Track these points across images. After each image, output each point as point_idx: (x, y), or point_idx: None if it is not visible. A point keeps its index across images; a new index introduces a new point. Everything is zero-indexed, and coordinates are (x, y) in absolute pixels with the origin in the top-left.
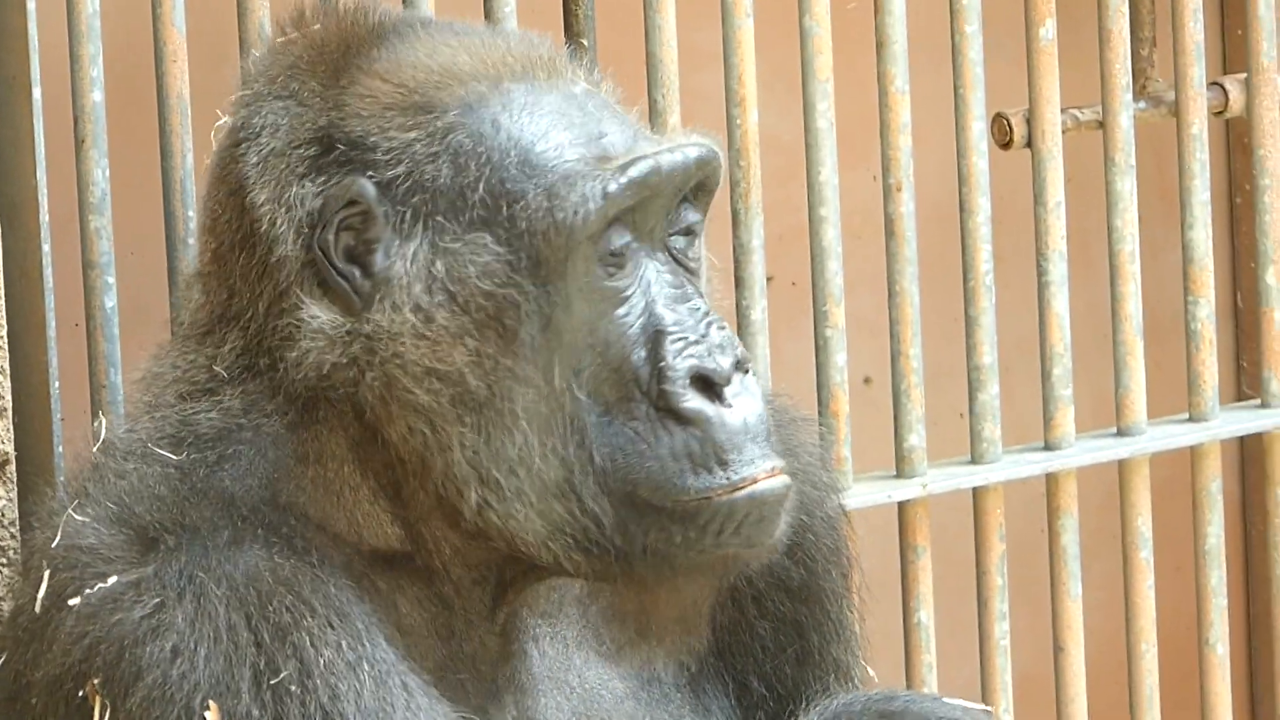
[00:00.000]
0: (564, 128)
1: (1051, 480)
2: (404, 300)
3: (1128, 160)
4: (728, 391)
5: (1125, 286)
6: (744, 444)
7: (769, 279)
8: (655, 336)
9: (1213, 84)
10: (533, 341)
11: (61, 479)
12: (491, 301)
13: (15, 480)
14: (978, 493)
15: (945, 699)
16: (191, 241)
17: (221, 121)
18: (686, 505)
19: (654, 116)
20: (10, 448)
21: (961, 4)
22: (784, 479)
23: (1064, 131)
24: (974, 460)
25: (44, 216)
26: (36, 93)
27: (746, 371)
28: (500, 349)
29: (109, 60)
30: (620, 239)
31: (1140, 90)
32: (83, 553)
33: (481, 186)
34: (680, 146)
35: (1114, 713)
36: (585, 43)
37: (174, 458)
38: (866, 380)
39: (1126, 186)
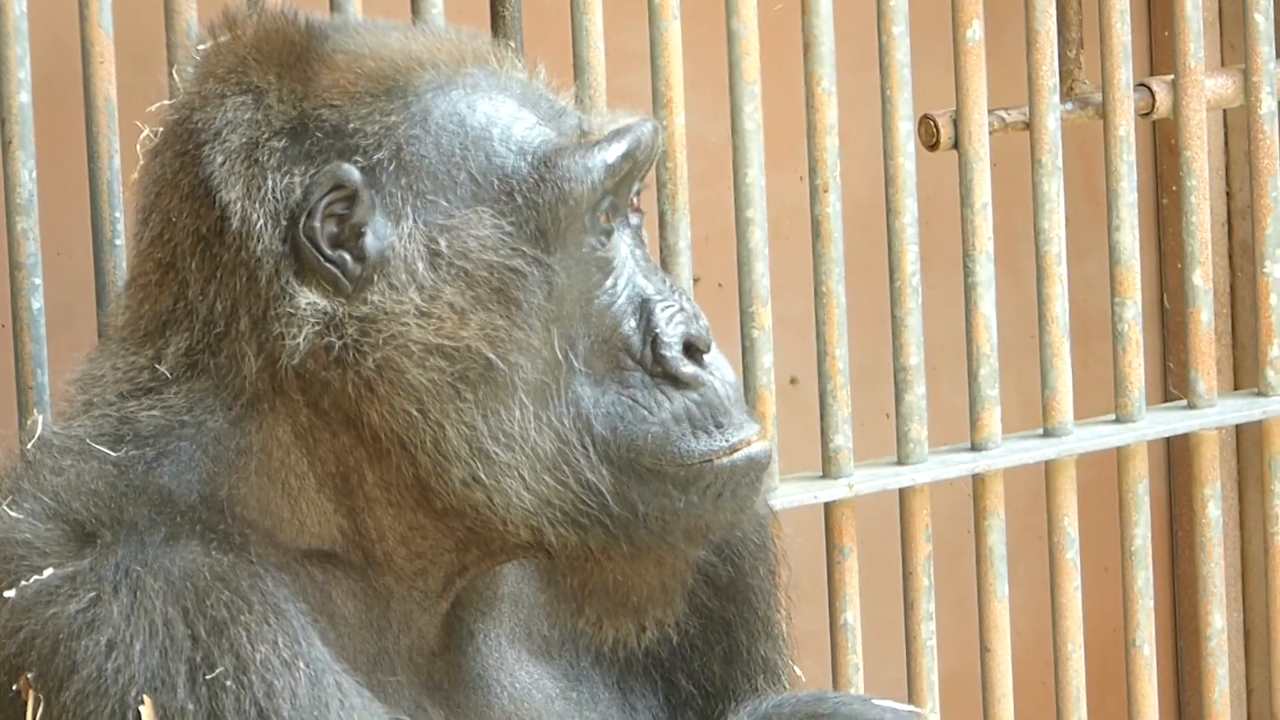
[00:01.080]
0: (530, 108)
1: (978, 481)
2: (405, 280)
3: (1054, 162)
4: (707, 359)
5: (1052, 288)
6: (731, 408)
7: (696, 280)
8: (643, 305)
9: (1140, 85)
10: (539, 311)
11: None
12: (496, 274)
13: None
14: (904, 493)
15: (874, 700)
16: (119, 243)
17: (146, 134)
18: (690, 469)
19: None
20: None
21: (889, 5)
22: (768, 442)
23: (991, 133)
24: (900, 461)
25: None
26: None
27: (712, 340)
28: (509, 321)
29: (36, 61)
30: (606, 211)
31: (1067, 92)
32: (17, 547)
33: (470, 164)
34: (643, 122)
35: (1040, 713)
36: (512, 44)
37: (112, 454)
38: (793, 381)
39: (1053, 188)
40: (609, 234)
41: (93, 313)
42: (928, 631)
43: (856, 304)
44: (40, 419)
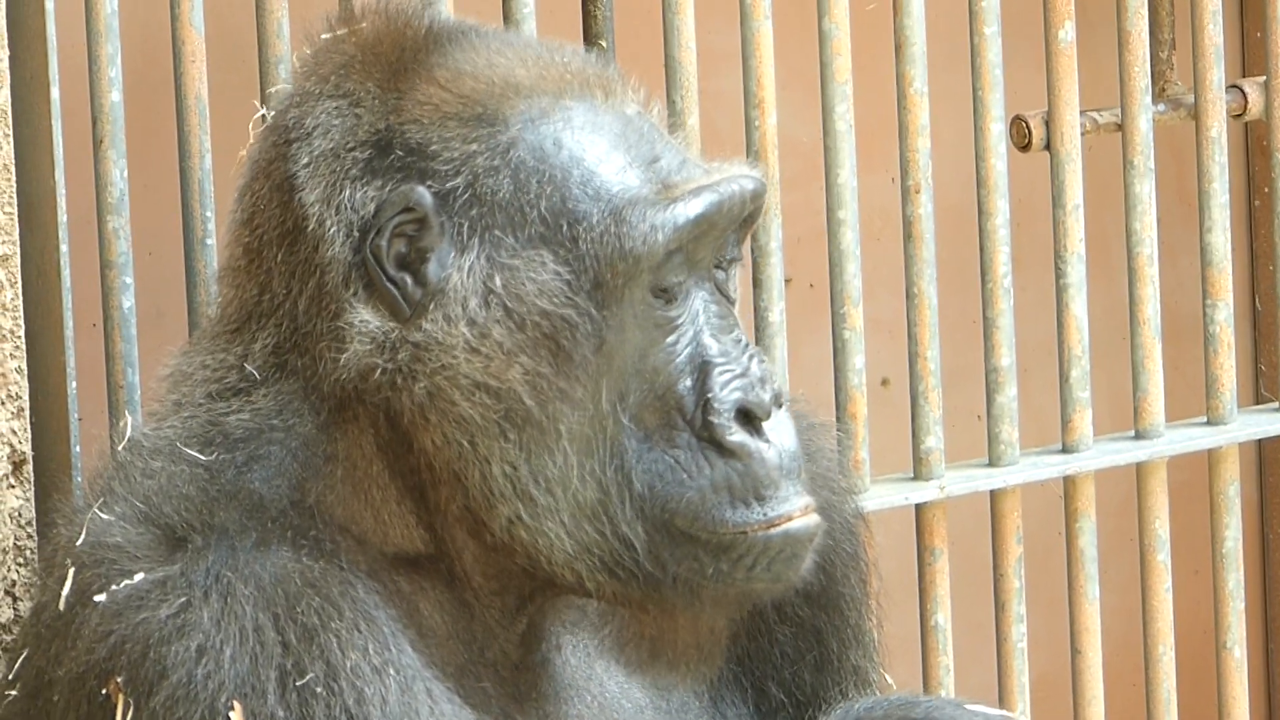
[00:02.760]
0: (623, 150)
1: (1069, 483)
2: (458, 313)
3: (1146, 163)
4: (766, 426)
5: (1143, 289)
6: (780, 480)
7: (787, 281)
8: (702, 367)
9: (1232, 87)
10: (585, 364)
11: (81, 478)
12: (548, 320)
13: (32, 480)
14: (995, 495)
15: (967, 704)
16: (210, 242)
17: (259, 114)
18: (722, 538)
19: (672, 119)
20: (27, 448)
21: (980, 6)
22: (815, 518)
23: (1083, 134)
24: (991, 462)
25: (62, 216)
26: (55, 92)
27: (781, 405)
28: (554, 369)
29: (127, 60)
30: (676, 270)
31: (1159, 93)
32: (109, 550)
33: (543, 204)
34: (736, 178)
35: (1131, 716)
36: (604, 44)
37: (202, 458)
38: (884, 382)
39: (1145, 189)
40: (675, 292)
41: (183, 312)
42: (1018, 633)
43: (948, 305)
44: (130, 420)
